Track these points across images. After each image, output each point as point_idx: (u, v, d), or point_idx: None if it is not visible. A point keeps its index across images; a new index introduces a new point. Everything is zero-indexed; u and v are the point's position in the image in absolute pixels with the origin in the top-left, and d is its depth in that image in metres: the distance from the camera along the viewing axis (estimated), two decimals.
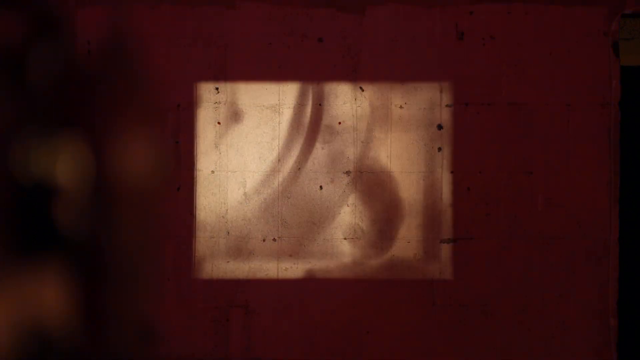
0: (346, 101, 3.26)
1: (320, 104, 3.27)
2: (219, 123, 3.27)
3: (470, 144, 3.26)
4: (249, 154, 3.27)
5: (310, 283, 3.24)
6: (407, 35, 3.27)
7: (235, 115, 3.27)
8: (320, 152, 3.26)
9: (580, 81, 3.26)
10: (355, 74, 3.27)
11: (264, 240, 3.25)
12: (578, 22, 3.27)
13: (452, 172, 3.25)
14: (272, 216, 3.25)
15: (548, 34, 3.27)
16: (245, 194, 3.26)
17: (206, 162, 3.26)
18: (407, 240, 3.24)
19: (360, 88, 3.27)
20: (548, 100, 3.26)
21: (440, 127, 3.26)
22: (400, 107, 3.26)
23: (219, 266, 3.24)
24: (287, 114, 3.27)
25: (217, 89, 3.27)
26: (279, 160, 3.27)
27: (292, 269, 3.25)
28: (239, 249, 3.25)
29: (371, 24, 3.28)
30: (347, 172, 3.26)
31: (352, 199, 3.25)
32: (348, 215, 3.25)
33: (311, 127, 3.27)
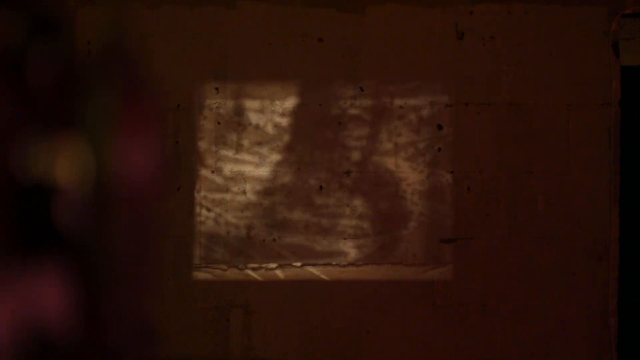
0: (346, 101, 3.26)
1: (320, 104, 3.26)
2: (218, 123, 3.26)
3: (470, 144, 3.25)
4: (249, 154, 3.27)
5: (310, 283, 3.24)
6: (407, 35, 3.27)
7: (235, 115, 3.27)
8: (320, 152, 3.26)
9: (581, 81, 3.26)
10: (355, 74, 3.26)
11: (264, 240, 3.25)
12: (578, 22, 3.27)
13: (452, 172, 3.25)
14: (273, 216, 3.25)
15: (548, 34, 3.27)
16: (245, 194, 3.26)
17: (206, 162, 3.26)
18: (407, 240, 3.24)
19: (360, 88, 3.26)
20: (548, 100, 3.26)
21: (440, 127, 3.26)
22: (400, 107, 3.26)
23: (219, 266, 3.24)
24: (287, 114, 3.27)
25: (217, 89, 3.26)
26: (278, 160, 3.26)
27: (292, 269, 3.25)
28: (239, 249, 3.25)
29: (371, 24, 3.27)
30: (347, 172, 3.26)
31: (352, 198, 3.25)
32: (348, 215, 3.25)
33: (311, 127, 3.27)
